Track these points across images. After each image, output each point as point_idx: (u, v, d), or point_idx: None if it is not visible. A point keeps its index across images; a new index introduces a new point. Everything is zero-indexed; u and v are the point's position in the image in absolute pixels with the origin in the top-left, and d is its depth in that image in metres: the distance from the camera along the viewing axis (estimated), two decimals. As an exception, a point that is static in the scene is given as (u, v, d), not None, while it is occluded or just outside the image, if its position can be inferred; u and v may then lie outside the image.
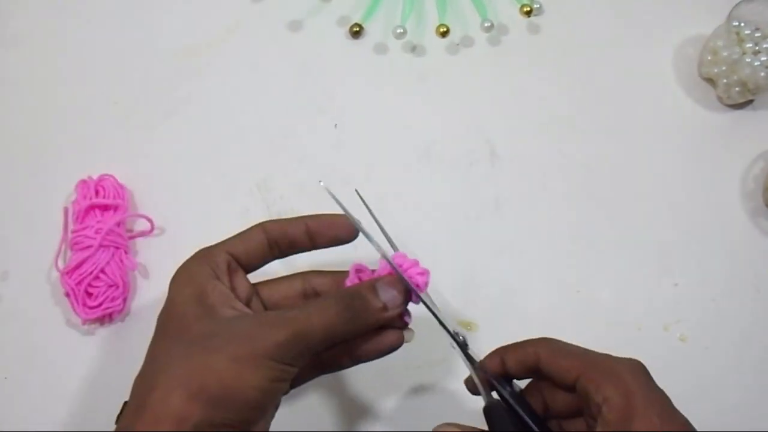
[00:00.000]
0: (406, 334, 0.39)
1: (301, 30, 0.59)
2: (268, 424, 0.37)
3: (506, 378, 0.39)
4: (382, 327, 0.38)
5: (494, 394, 0.38)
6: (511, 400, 0.37)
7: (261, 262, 0.41)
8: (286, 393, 0.38)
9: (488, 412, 0.37)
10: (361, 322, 0.37)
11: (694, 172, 0.56)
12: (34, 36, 0.59)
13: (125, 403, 0.47)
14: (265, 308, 0.41)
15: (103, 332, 0.50)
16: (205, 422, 0.33)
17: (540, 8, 0.60)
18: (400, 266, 0.38)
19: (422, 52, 0.59)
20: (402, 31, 0.57)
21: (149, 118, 0.56)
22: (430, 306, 0.38)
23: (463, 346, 0.39)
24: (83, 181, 0.52)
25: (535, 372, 0.38)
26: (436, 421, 0.47)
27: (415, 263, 0.38)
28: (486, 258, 0.53)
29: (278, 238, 0.40)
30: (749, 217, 0.55)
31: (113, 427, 0.47)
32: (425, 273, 0.38)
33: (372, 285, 0.38)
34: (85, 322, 0.49)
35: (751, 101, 0.58)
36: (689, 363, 0.51)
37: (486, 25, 0.58)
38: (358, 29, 0.58)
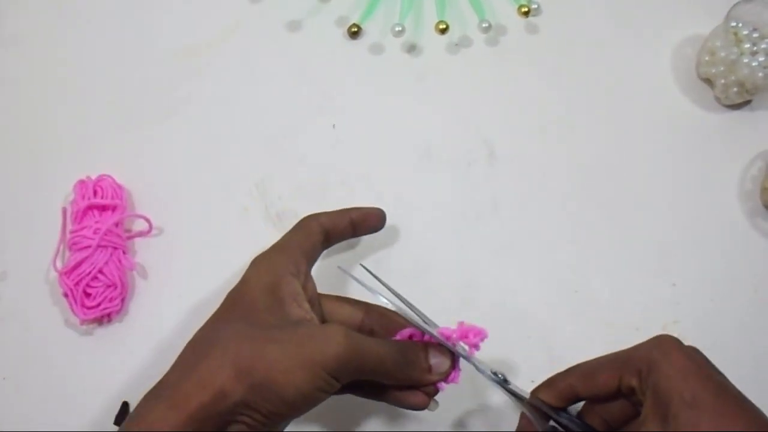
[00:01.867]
0: (431, 403, 0.41)
1: (299, 30, 0.59)
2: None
3: (556, 409, 0.39)
4: (416, 387, 0.40)
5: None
6: (571, 426, 0.38)
7: (318, 256, 0.43)
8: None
9: None
10: (407, 373, 0.39)
11: (691, 172, 0.56)
12: (33, 36, 0.58)
13: (124, 402, 0.48)
14: (323, 321, 0.42)
15: (102, 332, 0.50)
16: (242, 403, 0.34)
17: (538, 9, 0.60)
18: (448, 338, 0.40)
19: (420, 53, 0.59)
20: (400, 29, 0.57)
21: (148, 118, 0.56)
22: (476, 363, 0.41)
23: (504, 383, 0.40)
24: (81, 182, 0.52)
25: (577, 400, 0.39)
26: (437, 420, 0.48)
27: (470, 330, 0.40)
28: (484, 258, 0.53)
29: (330, 230, 0.44)
30: (747, 217, 0.55)
31: (112, 427, 0.47)
32: (479, 334, 0.40)
33: (425, 346, 0.40)
34: (83, 322, 0.49)
35: (748, 102, 0.58)
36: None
37: (484, 25, 0.58)
38: (356, 29, 0.58)
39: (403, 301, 0.42)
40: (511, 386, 0.40)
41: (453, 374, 0.41)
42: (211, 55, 0.58)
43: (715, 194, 0.56)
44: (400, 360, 0.38)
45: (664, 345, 0.36)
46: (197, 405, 0.34)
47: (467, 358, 0.40)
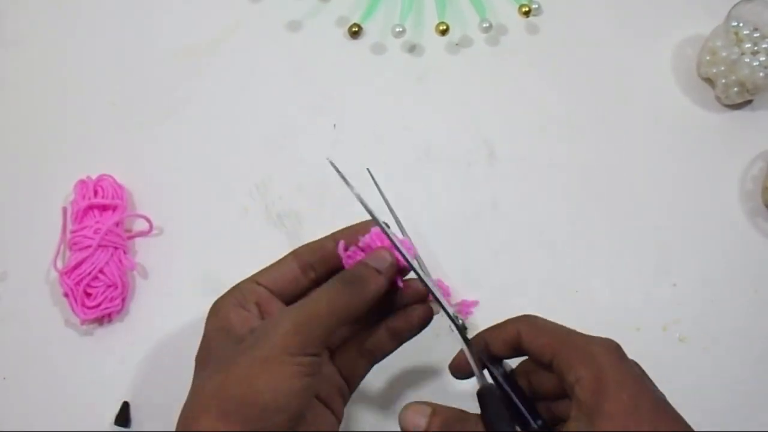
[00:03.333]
0: (435, 306, 0.40)
1: (300, 30, 0.59)
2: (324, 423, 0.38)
3: (495, 359, 0.39)
4: (408, 304, 0.40)
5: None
6: (502, 381, 0.37)
7: (297, 289, 0.40)
8: (346, 400, 0.40)
9: (481, 396, 0.37)
10: (363, 292, 0.37)
11: (692, 172, 0.56)
12: (34, 36, 0.59)
13: (125, 402, 0.48)
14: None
15: (102, 332, 0.50)
16: None
17: (538, 8, 0.60)
18: (384, 236, 0.39)
19: (421, 53, 0.59)
20: (401, 29, 0.57)
21: (148, 118, 0.56)
22: (419, 272, 0.39)
23: (462, 330, 0.39)
24: (82, 181, 0.52)
25: (518, 350, 0.38)
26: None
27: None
28: (484, 258, 0.53)
29: (312, 261, 0.41)
30: (748, 217, 0.55)
31: (112, 427, 0.47)
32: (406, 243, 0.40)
33: (362, 261, 0.39)
34: (83, 322, 0.49)
35: (749, 101, 0.58)
36: (688, 363, 0.51)
37: (484, 25, 0.58)
38: (357, 29, 0.58)
39: (390, 209, 0.42)
40: (467, 334, 0.39)
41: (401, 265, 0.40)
42: (211, 55, 0.58)
43: (716, 194, 0.56)
44: (346, 289, 0.37)
45: (607, 345, 0.35)
46: None
47: (423, 279, 0.39)
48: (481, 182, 0.55)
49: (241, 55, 0.58)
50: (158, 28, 0.59)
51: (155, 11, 0.60)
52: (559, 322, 0.51)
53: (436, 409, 0.37)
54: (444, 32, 0.58)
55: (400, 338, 0.41)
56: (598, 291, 0.52)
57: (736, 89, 0.56)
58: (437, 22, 0.58)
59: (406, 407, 0.37)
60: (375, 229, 0.40)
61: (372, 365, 0.41)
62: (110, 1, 0.60)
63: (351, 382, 0.41)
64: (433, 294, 0.39)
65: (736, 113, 0.58)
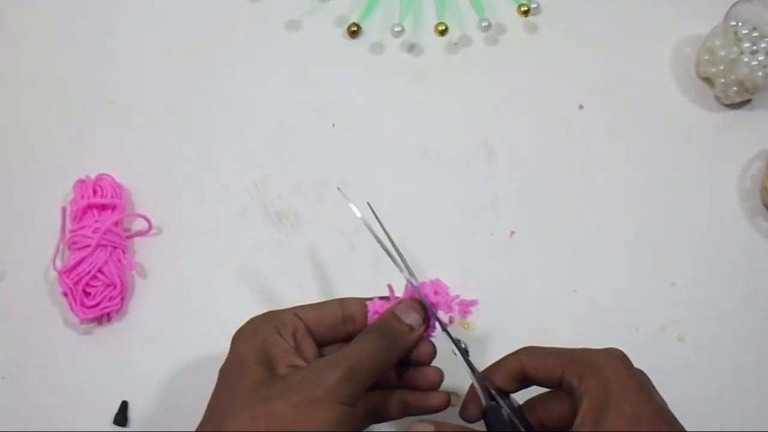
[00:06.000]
0: (452, 397, 0.41)
1: (298, 30, 0.59)
2: None
3: (502, 393, 0.39)
4: (431, 389, 0.40)
5: None
6: (509, 412, 0.38)
7: (333, 336, 0.41)
8: None
9: (487, 413, 0.38)
10: (398, 346, 0.38)
11: (691, 171, 0.56)
12: (33, 36, 0.59)
13: (124, 402, 0.48)
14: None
15: (101, 332, 0.50)
16: None
17: (537, 8, 0.60)
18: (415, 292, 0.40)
19: (420, 52, 0.59)
20: (400, 29, 0.57)
21: (147, 117, 0.56)
22: (441, 319, 0.41)
23: (465, 354, 0.40)
24: (81, 181, 0.52)
25: (523, 381, 0.39)
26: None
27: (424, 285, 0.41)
28: (483, 258, 0.53)
29: (356, 315, 0.41)
30: (746, 216, 0.55)
31: (111, 426, 0.47)
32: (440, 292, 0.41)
33: (392, 313, 0.40)
34: (82, 321, 0.49)
35: (748, 101, 0.58)
36: (687, 363, 0.51)
37: (483, 24, 0.58)
38: (355, 29, 0.58)
39: (392, 244, 0.43)
40: (469, 358, 0.40)
41: (431, 323, 0.41)
42: (210, 54, 0.58)
43: (715, 194, 0.56)
44: (383, 342, 0.38)
45: (612, 355, 0.36)
46: None
47: (436, 317, 0.40)
48: (481, 182, 0.55)
49: (240, 55, 0.58)
50: (158, 27, 0.59)
51: (155, 11, 0.60)
52: (557, 321, 0.51)
53: (439, 426, 0.37)
54: (443, 32, 0.57)
55: (408, 413, 0.41)
56: (597, 291, 0.52)
57: (734, 89, 0.56)
58: (436, 21, 0.58)
59: (410, 425, 0.37)
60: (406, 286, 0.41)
61: (372, 424, 0.41)
62: (110, 1, 0.60)
63: None
64: (444, 328, 0.40)
65: (735, 113, 0.58)
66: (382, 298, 0.41)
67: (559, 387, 0.37)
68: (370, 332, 0.39)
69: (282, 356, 0.37)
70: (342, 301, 0.41)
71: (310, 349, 0.40)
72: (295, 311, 0.40)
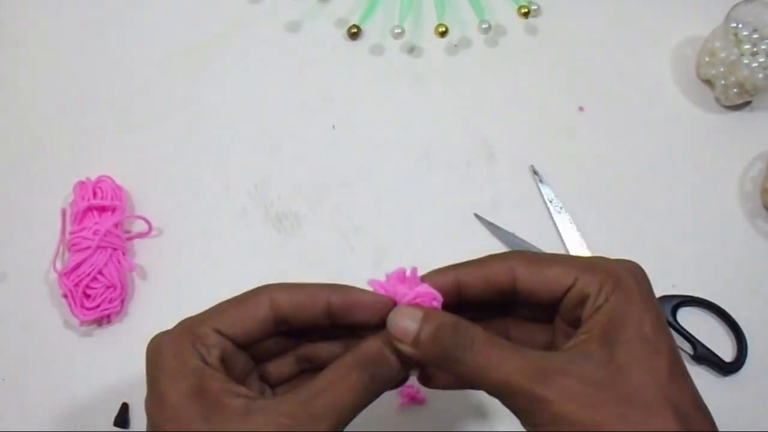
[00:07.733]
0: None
1: (299, 31, 0.60)
2: None
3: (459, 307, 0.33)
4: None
5: None
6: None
7: (263, 339, 0.34)
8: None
9: None
10: (387, 387, 0.33)
11: (691, 173, 0.56)
12: (33, 36, 0.59)
13: (124, 403, 0.48)
14: (265, 379, 0.36)
15: (101, 333, 0.50)
16: None
17: (538, 9, 0.60)
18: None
19: (420, 54, 0.59)
20: (400, 31, 0.57)
21: (147, 119, 0.56)
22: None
23: None
24: (81, 182, 0.52)
25: (506, 293, 0.33)
26: (438, 421, 0.48)
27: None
28: (484, 259, 0.53)
29: (290, 316, 0.33)
30: (747, 218, 0.55)
31: (111, 428, 0.47)
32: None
33: (388, 345, 0.33)
34: (82, 323, 0.49)
35: (749, 102, 0.58)
36: (686, 363, 0.51)
37: (484, 26, 0.58)
38: (356, 30, 0.58)
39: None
40: None
41: None
42: (210, 55, 0.58)
43: (715, 195, 0.56)
44: (374, 387, 0.32)
45: (635, 270, 0.32)
46: None
47: None
48: (481, 182, 0.55)
49: (240, 56, 0.58)
50: (157, 28, 0.59)
51: (155, 11, 0.60)
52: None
53: (428, 314, 0.32)
54: (443, 34, 0.58)
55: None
56: (597, 292, 0.52)
57: (735, 90, 0.56)
58: (436, 23, 0.58)
59: (396, 311, 0.32)
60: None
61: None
62: (110, 2, 0.60)
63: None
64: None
65: (736, 114, 0.58)
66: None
67: (551, 308, 0.32)
68: (359, 370, 0.32)
69: (225, 392, 0.31)
70: (272, 301, 0.33)
71: (240, 360, 0.33)
72: (216, 327, 0.32)
